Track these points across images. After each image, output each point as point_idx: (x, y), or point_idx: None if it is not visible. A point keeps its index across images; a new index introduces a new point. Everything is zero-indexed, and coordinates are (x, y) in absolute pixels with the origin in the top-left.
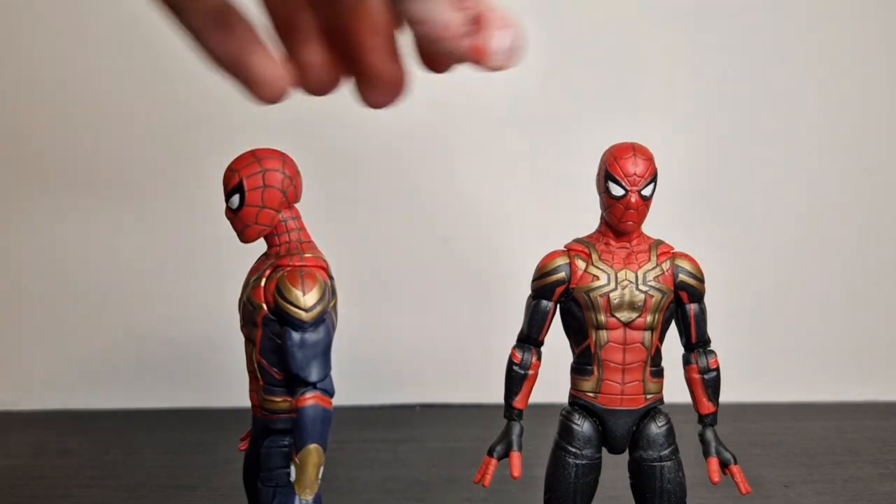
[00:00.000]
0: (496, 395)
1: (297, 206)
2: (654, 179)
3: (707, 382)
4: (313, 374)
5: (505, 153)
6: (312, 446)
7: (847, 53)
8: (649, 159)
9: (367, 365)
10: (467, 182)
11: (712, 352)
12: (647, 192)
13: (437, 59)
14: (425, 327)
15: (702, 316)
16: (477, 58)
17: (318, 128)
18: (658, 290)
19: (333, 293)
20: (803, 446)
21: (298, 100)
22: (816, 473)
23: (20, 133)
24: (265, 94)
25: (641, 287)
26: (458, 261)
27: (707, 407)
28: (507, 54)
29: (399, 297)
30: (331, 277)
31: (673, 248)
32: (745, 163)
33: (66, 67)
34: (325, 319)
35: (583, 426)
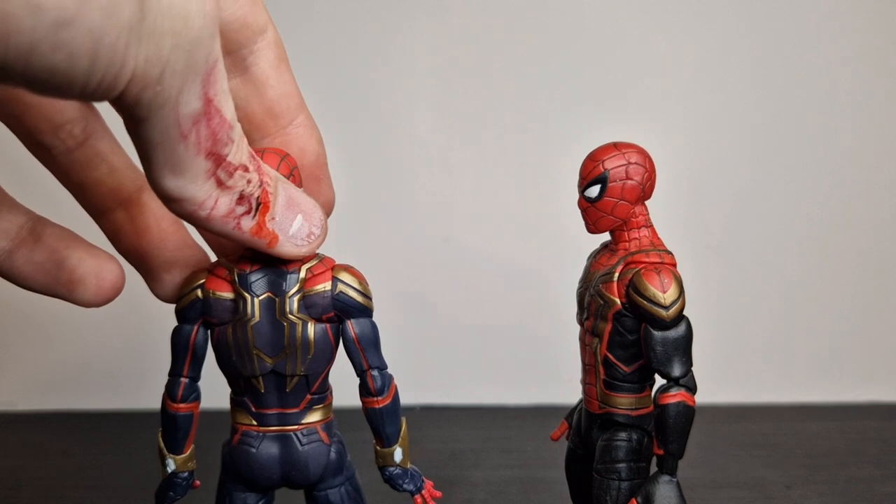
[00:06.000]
0: (496, 397)
1: None
2: (598, 181)
3: (656, 419)
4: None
5: (506, 153)
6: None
7: (844, 53)
8: (594, 160)
9: None
10: (467, 182)
11: (672, 386)
12: (589, 193)
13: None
14: (425, 328)
15: (656, 343)
16: (260, 243)
17: (319, 129)
18: (600, 295)
19: None
20: (805, 447)
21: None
22: (818, 474)
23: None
24: (89, 293)
25: (591, 290)
26: (458, 261)
27: (656, 446)
28: (301, 242)
29: (399, 298)
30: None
31: (648, 260)
32: (747, 162)
33: None
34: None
35: (574, 415)
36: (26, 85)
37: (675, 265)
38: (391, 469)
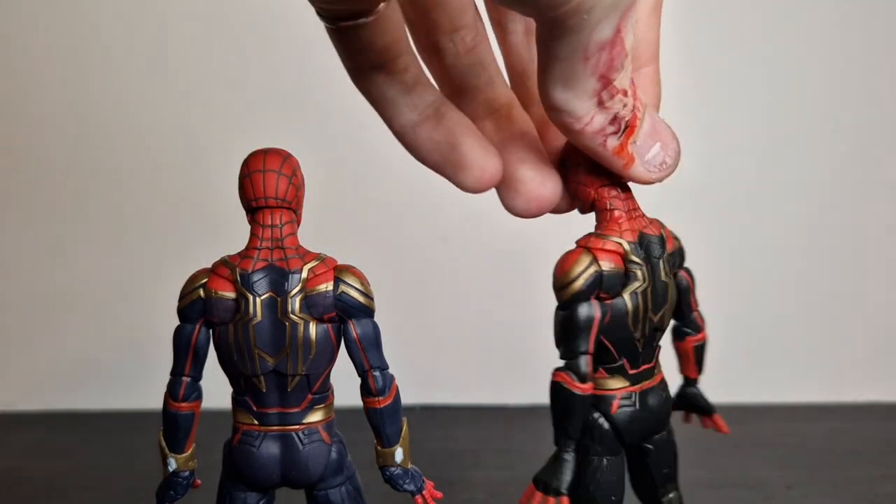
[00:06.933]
0: (496, 397)
1: (302, 207)
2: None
3: None
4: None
5: None
6: None
7: (849, 51)
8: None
9: None
10: None
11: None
12: None
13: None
14: (425, 328)
15: (554, 321)
16: (617, 162)
17: (319, 128)
18: None
19: None
20: (805, 447)
21: (299, 102)
22: (818, 474)
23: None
24: (470, 178)
25: None
26: (458, 260)
27: None
28: (653, 168)
29: (398, 298)
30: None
31: (581, 242)
32: (748, 160)
33: (46, 71)
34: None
35: None
36: None
37: (602, 250)
38: (392, 469)
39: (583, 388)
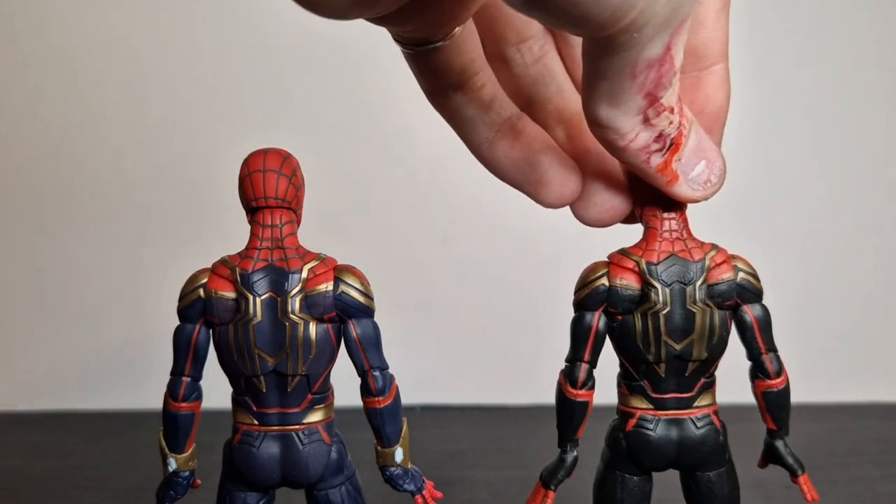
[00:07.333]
0: (496, 397)
1: (302, 207)
2: None
3: None
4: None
5: None
6: None
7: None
8: None
9: None
10: (467, 181)
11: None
12: None
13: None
14: (425, 328)
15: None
16: (661, 179)
17: (319, 128)
18: None
19: None
20: (805, 447)
21: (299, 103)
22: (818, 474)
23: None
24: (552, 196)
25: None
26: (458, 261)
27: None
28: (697, 186)
29: (398, 298)
30: None
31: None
32: (748, 161)
33: (49, 76)
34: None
35: None
36: (546, 12)
37: (619, 267)
38: (392, 469)
39: (574, 393)
